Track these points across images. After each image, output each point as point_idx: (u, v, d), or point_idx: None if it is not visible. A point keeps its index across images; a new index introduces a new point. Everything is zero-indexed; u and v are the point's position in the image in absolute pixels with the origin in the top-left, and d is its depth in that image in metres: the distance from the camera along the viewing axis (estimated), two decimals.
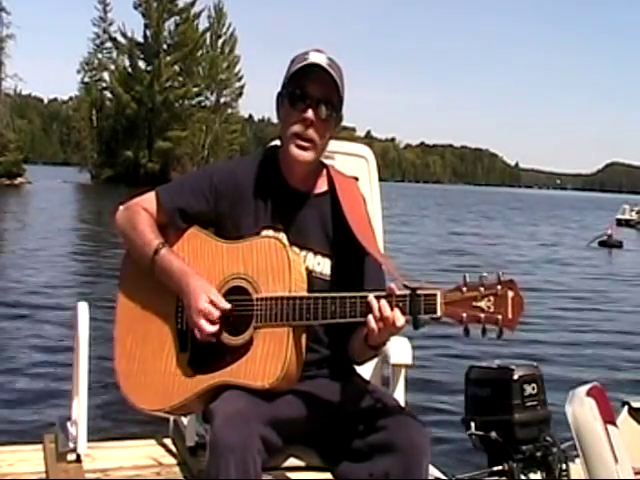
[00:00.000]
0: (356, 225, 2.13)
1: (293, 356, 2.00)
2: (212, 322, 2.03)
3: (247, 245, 2.09)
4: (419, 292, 1.90)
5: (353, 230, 2.11)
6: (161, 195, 2.20)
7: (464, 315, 1.87)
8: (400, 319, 1.91)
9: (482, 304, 1.87)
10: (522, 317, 1.87)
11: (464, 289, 1.88)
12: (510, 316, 1.86)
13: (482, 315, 1.87)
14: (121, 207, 2.25)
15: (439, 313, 1.89)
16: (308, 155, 2.13)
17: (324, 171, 2.26)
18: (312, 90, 2.10)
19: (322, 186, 2.24)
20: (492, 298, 1.87)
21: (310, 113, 2.09)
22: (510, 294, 1.87)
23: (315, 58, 2.10)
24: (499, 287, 1.87)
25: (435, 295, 1.89)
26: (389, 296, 1.92)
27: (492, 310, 1.86)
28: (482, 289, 1.87)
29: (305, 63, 2.09)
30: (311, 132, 2.11)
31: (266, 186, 2.19)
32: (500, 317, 1.86)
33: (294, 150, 2.12)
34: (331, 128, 2.16)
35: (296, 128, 2.11)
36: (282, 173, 2.21)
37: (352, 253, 2.16)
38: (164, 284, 2.13)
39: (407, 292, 1.91)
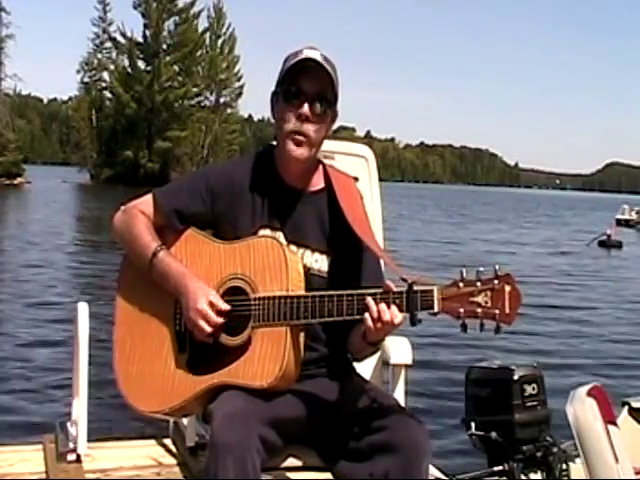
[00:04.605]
0: (354, 221, 2.12)
1: (291, 355, 2.00)
2: (211, 324, 2.03)
3: (244, 245, 2.09)
4: (416, 288, 1.89)
5: (351, 225, 2.11)
6: (158, 197, 2.20)
7: (461, 310, 1.87)
8: (398, 317, 1.91)
9: (479, 299, 1.87)
10: (520, 311, 1.86)
11: (461, 284, 1.88)
12: (507, 310, 1.86)
13: (479, 310, 1.86)
14: (118, 211, 2.25)
15: (436, 309, 1.88)
16: (304, 151, 2.13)
17: (320, 168, 2.26)
18: (307, 86, 2.09)
19: (319, 183, 2.24)
20: (489, 293, 1.86)
21: (306, 108, 2.09)
22: (507, 288, 1.86)
23: (309, 53, 2.09)
24: (496, 282, 1.87)
25: (432, 291, 1.89)
26: (386, 293, 1.92)
27: (489, 305, 1.86)
28: (479, 284, 1.87)
29: (299, 58, 2.08)
30: (307, 127, 2.11)
31: (262, 185, 2.19)
32: (497, 312, 1.85)
33: (290, 146, 2.12)
34: (327, 124, 2.16)
35: (292, 125, 2.11)
36: (278, 172, 2.20)
37: (350, 249, 2.17)
38: (162, 286, 2.13)
39: (404, 289, 1.91)
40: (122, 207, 2.24)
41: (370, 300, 1.92)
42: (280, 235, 2.14)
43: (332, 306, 1.96)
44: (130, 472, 2.80)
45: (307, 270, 2.12)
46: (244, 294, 2.06)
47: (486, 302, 1.86)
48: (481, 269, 1.88)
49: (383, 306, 1.91)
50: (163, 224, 2.19)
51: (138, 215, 2.19)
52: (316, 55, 2.09)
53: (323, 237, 2.19)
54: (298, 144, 2.12)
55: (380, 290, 1.93)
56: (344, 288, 1.99)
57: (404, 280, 1.92)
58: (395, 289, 1.92)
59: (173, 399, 2.11)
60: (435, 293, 1.88)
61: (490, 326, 1.86)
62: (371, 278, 2.13)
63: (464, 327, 1.88)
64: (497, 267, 1.87)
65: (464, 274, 1.88)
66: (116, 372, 2.21)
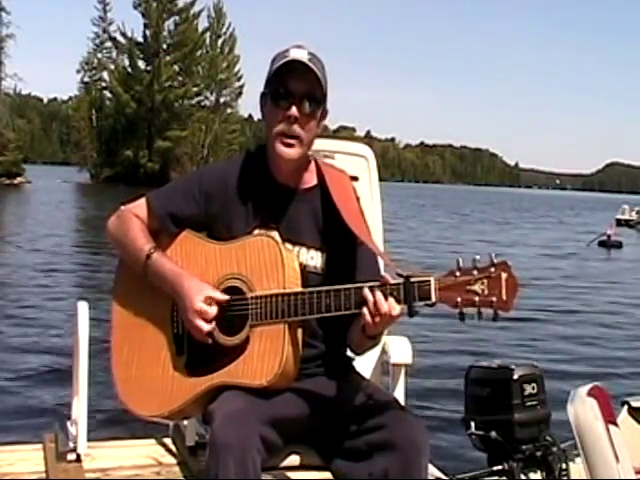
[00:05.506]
0: (348, 216, 2.12)
1: (290, 352, 2.00)
2: (209, 321, 2.03)
3: (240, 245, 2.09)
4: (413, 279, 1.89)
5: (346, 220, 2.10)
6: (152, 201, 2.20)
7: (459, 299, 1.87)
8: (395, 308, 1.91)
9: (476, 287, 1.87)
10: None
11: (457, 273, 1.88)
12: (505, 297, 1.86)
13: (476, 298, 1.86)
14: (113, 216, 2.24)
15: (433, 299, 1.88)
16: (294, 152, 2.12)
17: (313, 165, 2.25)
18: (294, 87, 2.09)
19: (311, 180, 2.23)
20: (486, 281, 1.86)
21: (294, 110, 2.09)
22: (504, 276, 1.86)
23: (296, 54, 2.08)
24: (492, 269, 1.87)
25: (429, 281, 1.89)
26: (383, 286, 1.92)
27: (486, 293, 1.86)
28: (475, 272, 1.87)
29: (286, 60, 2.07)
30: (296, 128, 2.10)
31: (255, 185, 2.19)
32: (494, 299, 1.85)
33: (280, 148, 2.12)
34: (316, 122, 2.16)
35: (281, 126, 2.11)
36: (270, 171, 2.20)
37: (345, 245, 2.16)
38: (158, 288, 2.13)
39: (401, 280, 1.91)
40: (119, 209, 2.24)
41: (367, 293, 1.92)
42: (275, 234, 2.14)
43: (330, 301, 1.96)
44: (130, 472, 2.80)
45: (303, 268, 2.12)
46: (241, 293, 2.05)
47: (483, 290, 1.86)
48: (477, 257, 1.88)
49: (381, 298, 1.91)
50: (158, 227, 2.19)
51: (132, 219, 2.18)
52: (303, 55, 2.08)
53: (318, 234, 2.19)
54: (288, 145, 2.11)
55: (377, 283, 1.93)
56: (340, 284, 1.98)
57: (400, 275, 1.92)
58: (392, 281, 1.92)
59: (173, 402, 2.10)
60: (432, 283, 1.88)
61: (488, 315, 1.86)
62: (367, 272, 2.12)
63: (462, 316, 1.88)
64: (493, 255, 1.87)
65: (460, 263, 1.88)
66: (114, 377, 2.21)
